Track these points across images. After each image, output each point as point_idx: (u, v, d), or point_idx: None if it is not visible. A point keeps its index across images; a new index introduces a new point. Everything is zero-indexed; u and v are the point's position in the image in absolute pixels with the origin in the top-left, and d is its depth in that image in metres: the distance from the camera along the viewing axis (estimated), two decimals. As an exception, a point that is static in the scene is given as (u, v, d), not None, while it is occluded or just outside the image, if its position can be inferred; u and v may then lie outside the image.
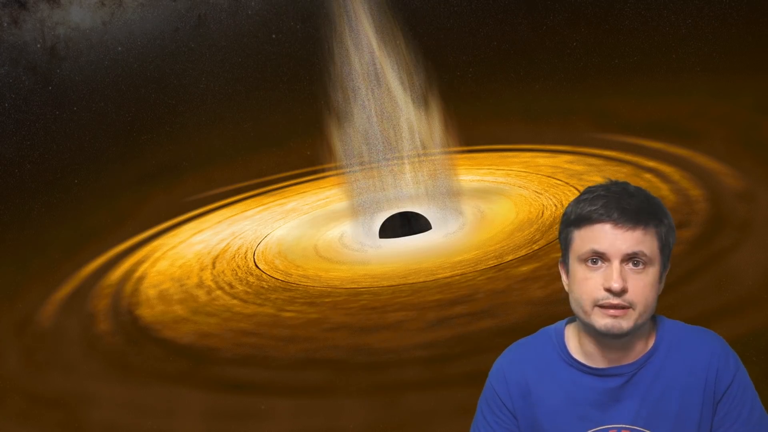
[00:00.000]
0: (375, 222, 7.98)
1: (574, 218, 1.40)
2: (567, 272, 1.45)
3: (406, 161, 7.16)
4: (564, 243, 1.44)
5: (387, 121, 7.14)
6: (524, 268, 6.08)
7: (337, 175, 8.56)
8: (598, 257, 1.36)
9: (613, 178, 1.44)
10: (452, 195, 7.71)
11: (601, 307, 1.35)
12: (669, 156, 7.52)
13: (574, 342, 1.49)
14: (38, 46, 9.10)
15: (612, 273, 1.34)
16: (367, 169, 7.78)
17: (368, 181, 8.11)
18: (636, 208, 1.36)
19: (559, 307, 1.59)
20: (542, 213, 7.31)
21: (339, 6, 6.88)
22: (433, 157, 7.61)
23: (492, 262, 6.42)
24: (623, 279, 1.34)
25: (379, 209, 8.21)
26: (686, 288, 4.99)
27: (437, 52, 9.14)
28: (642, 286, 1.35)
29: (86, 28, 9.42)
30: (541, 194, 7.81)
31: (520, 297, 5.60)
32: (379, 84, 7.12)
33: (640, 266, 1.35)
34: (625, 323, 1.35)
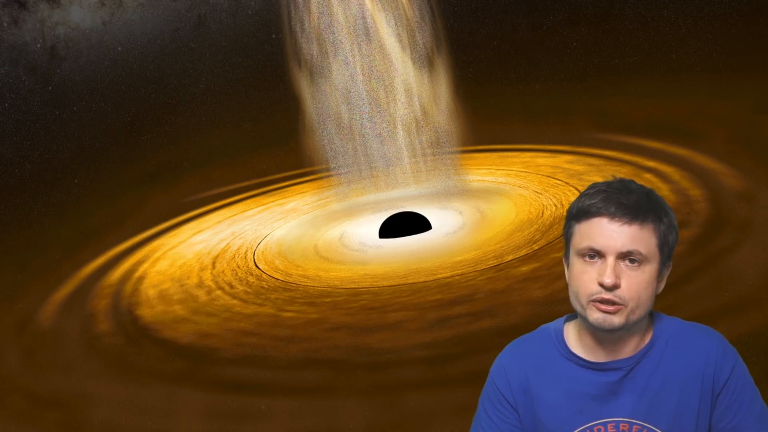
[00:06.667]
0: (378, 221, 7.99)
1: (575, 212, 1.43)
2: (568, 266, 1.47)
3: (398, 126, 5.98)
4: (566, 237, 1.47)
5: (377, 81, 5.93)
6: (524, 268, 6.08)
7: (331, 176, 8.53)
8: (594, 253, 1.39)
9: (618, 176, 1.46)
10: (454, 193, 7.47)
11: (594, 301, 1.37)
12: (669, 156, 7.52)
13: (573, 337, 1.51)
14: (38, 46, 9.09)
15: (606, 268, 1.36)
16: (364, 170, 7.51)
17: (366, 181, 8.01)
18: (634, 203, 1.37)
19: (559, 307, 1.59)
20: (542, 213, 7.30)
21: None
22: (435, 157, 7.14)
23: (492, 262, 6.42)
24: (616, 275, 1.36)
25: (379, 209, 8.22)
26: (686, 288, 4.99)
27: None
28: (636, 283, 1.37)
29: (86, 28, 9.41)
30: (541, 194, 7.81)
31: (520, 297, 5.60)
32: (368, 39, 5.98)
33: (636, 263, 1.37)
34: (617, 319, 1.37)
